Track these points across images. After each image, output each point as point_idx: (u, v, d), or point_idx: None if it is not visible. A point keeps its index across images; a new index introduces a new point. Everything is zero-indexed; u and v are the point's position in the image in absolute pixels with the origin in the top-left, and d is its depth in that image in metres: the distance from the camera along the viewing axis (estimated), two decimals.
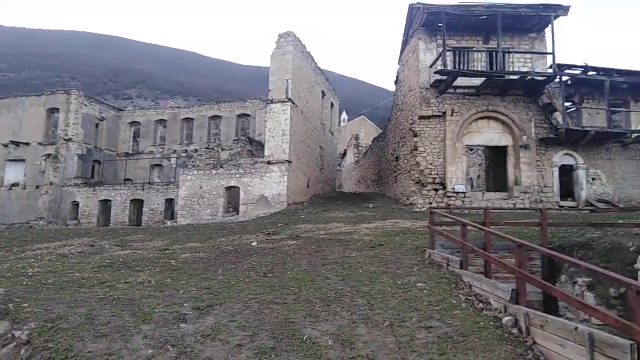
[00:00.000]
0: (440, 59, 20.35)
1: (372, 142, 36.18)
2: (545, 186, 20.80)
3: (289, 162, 23.58)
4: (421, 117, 21.17)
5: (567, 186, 21.52)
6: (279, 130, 23.95)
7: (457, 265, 7.64)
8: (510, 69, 21.09)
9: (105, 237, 16.45)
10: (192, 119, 35.88)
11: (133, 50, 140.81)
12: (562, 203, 20.57)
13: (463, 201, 20.25)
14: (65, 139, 31.23)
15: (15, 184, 31.80)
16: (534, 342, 5.03)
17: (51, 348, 4.96)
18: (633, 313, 3.96)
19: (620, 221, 11.01)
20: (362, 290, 6.83)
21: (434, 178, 20.84)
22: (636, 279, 7.03)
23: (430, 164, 20.98)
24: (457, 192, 20.47)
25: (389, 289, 6.83)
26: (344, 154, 50.85)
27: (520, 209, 18.05)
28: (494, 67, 21.06)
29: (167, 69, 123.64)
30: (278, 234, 14.49)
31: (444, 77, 20.29)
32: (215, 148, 28.74)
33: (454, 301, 6.19)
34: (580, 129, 20.62)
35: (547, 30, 21.17)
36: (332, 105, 33.52)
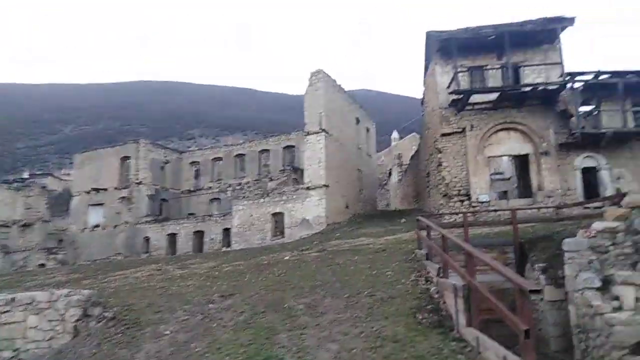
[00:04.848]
0: (455, 80, 22.20)
1: (410, 160, 37.93)
2: (568, 189, 21.60)
3: (327, 186, 26.11)
4: (443, 135, 22.93)
5: (595, 188, 22.16)
6: (316, 158, 26.66)
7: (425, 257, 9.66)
8: (526, 81, 22.43)
9: (170, 263, 19.64)
10: (243, 154, 39.61)
11: (191, 93, 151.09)
12: (589, 205, 21.26)
13: (488, 209, 21.58)
14: (136, 183, 35.87)
15: (97, 226, 36.70)
16: (444, 302, 7.02)
17: (127, 318, 7.82)
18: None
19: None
20: (343, 279, 9.08)
21: (459, 190, 22.37)
22: None
23: (455, 177, 22.58)
24: (482, 202, 21.86)
25: (363, 277, 9.02)
26: (390, 173, 52.52)
27: (539, 208, 19.15)
28: (508, 81, 22.51)
29: (225, 106, 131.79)
30: (310, 250, 16.88)
31: (460, 97, 22.06)
32: (263, 179, 31.96)
33: (404, 280, 8.27)
34: (596, 130, 21.44)
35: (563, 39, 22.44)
36: (367, 130, 35.90)
